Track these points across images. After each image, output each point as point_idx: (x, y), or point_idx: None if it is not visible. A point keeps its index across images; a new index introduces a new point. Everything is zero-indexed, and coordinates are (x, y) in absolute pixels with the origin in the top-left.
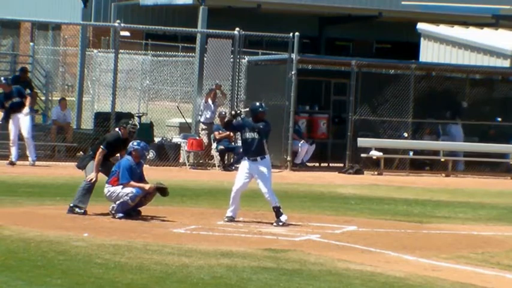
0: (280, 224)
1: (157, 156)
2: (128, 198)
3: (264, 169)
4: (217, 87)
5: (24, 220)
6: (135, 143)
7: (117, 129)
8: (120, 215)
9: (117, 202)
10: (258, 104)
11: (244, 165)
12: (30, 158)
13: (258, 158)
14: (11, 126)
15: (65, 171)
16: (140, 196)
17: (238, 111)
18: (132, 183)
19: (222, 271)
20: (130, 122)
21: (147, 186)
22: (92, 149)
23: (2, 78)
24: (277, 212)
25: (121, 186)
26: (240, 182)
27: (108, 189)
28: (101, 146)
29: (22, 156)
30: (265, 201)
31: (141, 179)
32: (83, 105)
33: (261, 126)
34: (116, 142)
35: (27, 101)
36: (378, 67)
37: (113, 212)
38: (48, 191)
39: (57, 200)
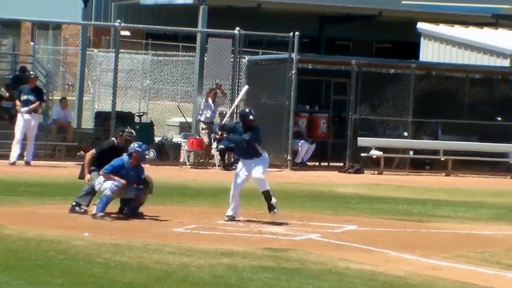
0: (274, 210)
1: (157, 155)
2: (108, 190)
3: (259, 162)
4: (218, 86)
5: (24, 219)
6: (136, 145)
7: (113, 138)
8: (101, 214)
9: (100, 197)
10: (247, 110)
11: (240, 165)
12: (27, 158)
13: (254, 158)
14: (21, 126)
15: (66, 170)
16: (120, 188)
17: (220, 132)
18: (111, 175)
19: (222, 270)
20: (126, 130)
21: (123, 181)
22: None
23: (31, 72)
24: (267, 196)
25: (103, 180)
26: (238, 181)
27: (99, 181)
28: (94, 149)
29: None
30: (263, 200)
31: (134, 182)
32: (83, 105)
33: (247, 138)
34: (109, 149)
35: (38, 106)
36: (378, 66)
37: (94, 211)
38: (48, 190)
39: (58, 200)
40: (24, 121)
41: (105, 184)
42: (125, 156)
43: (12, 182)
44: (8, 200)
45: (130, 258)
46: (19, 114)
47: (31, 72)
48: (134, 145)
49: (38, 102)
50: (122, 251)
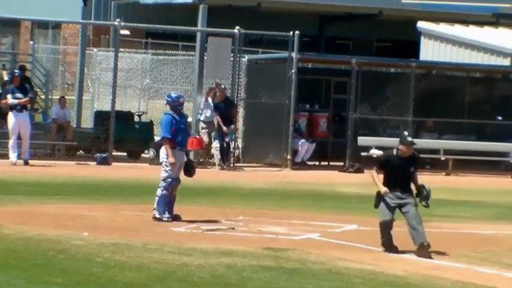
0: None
1: (157, 155)
2: (163, 189)
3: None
4: (217, 85)
5: (24, 219)
6: (168, 97)
7: (394, 149)
8: (167, 216)
9: (156, 198)
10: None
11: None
12: (24, 156)
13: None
14: (14, 125)
15: (65, 170)
16: (174, 185)
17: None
18: (167, 147)
19: (222, 270)
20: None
21: (171, 159)
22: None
23: (16, 70)
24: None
25: (165, 159)
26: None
27: (163, 149)
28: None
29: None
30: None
31: (187, 132)
32: (82, 104)
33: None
34: (389, 160)
35: (27, 101)
36: (378, 65)
37: (157, 215)
38: (48, 189)
39: (57, 199)
40: (15, 120)
41: (162, 173)
42: (167, 112)
43: (12, 181)
44: (8, 200)
45: (130, 257)
46: (10, 114)
47: (15, 71)
48: (168, 98)
49: (26, 98)
50: (121, 251)
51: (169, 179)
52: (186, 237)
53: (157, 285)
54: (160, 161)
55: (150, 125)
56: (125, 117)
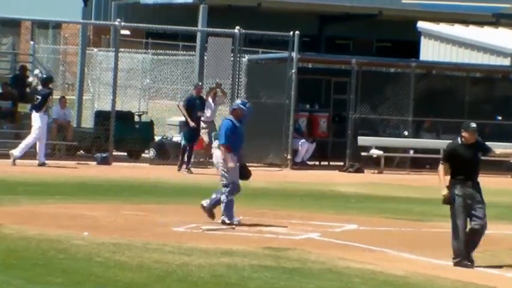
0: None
1: (157, 155)
2: (227, 194)
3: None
4: (218, 85)
5: (24, 219)
6: (239, 102)
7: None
8: (236, 219)
9: (222, 205)
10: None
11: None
12: (42, 159)
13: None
14: (42, 124)
15: (65, 169)
16: (237, 185)
17: None
18: (225, 151)
19: (222, 270)
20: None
21: (231, 163)
22: None
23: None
24: None
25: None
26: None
27: (216, 153)
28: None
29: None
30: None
31: (243, 137)
32: (83, 104)
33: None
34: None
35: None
36: (378, 65)
37: (226, 220)
38: (48, 189)
39: (58, 199)
40: (44, 122)
41: (221, 170)
42: (228, 117)
43: (12, 181)
44: (8, 199)
45: (130, 257)
46: (37, 115)
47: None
48: (243, 107)
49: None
50: (121, 250)
51: (232, 184)
52: (186, 237)
53: (157, 285)
54: (216, 165)
55: (150, 125)
56: (125, 117)
